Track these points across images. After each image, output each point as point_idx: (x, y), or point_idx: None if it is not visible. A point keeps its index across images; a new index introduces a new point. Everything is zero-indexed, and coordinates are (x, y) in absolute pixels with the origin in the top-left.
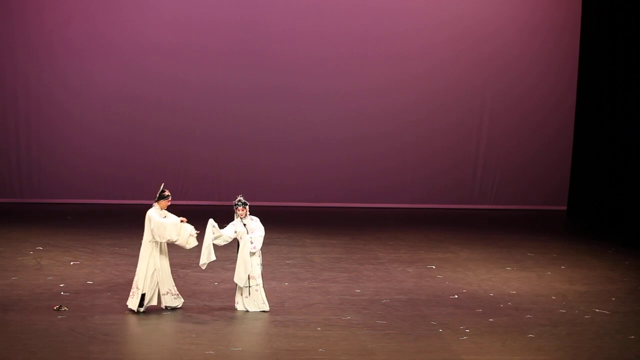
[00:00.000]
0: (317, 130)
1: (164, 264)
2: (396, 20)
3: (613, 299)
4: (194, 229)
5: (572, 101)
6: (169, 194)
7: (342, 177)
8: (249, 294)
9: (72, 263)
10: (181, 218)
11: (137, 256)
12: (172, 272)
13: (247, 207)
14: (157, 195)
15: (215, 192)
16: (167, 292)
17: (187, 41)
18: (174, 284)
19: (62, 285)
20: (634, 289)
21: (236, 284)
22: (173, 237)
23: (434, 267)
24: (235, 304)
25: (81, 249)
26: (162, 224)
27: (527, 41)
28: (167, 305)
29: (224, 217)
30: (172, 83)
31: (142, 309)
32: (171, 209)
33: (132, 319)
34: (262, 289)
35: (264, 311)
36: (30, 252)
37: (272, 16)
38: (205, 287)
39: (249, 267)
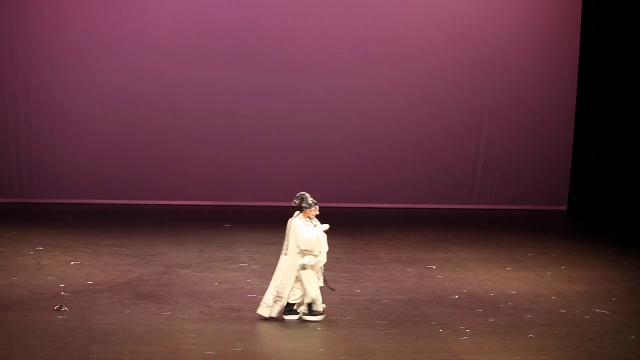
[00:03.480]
0: (317, 130)
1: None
2: (396, 20)
3: (613, 299)
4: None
5: (572, 101)
6: (311, 202)
7: (342, 177)
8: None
9: (72, 263)
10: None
11: (137, 256)
12: (172, 272)
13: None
14: (298, 205)
15: (216, 193)
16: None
17: (187, 41)
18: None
19: (62, 285)
20: (634, 289)
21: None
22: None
23: (434, 267)
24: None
25: (81, 249)
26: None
27: (527, 41)
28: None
29: (224, 217)
30: (172, 83)
31: (287, 317)
32: (171, 209)
33: (132, 319)
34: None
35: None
36: (30, 252)
37: (272, 16)
38: (205, 287)
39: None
